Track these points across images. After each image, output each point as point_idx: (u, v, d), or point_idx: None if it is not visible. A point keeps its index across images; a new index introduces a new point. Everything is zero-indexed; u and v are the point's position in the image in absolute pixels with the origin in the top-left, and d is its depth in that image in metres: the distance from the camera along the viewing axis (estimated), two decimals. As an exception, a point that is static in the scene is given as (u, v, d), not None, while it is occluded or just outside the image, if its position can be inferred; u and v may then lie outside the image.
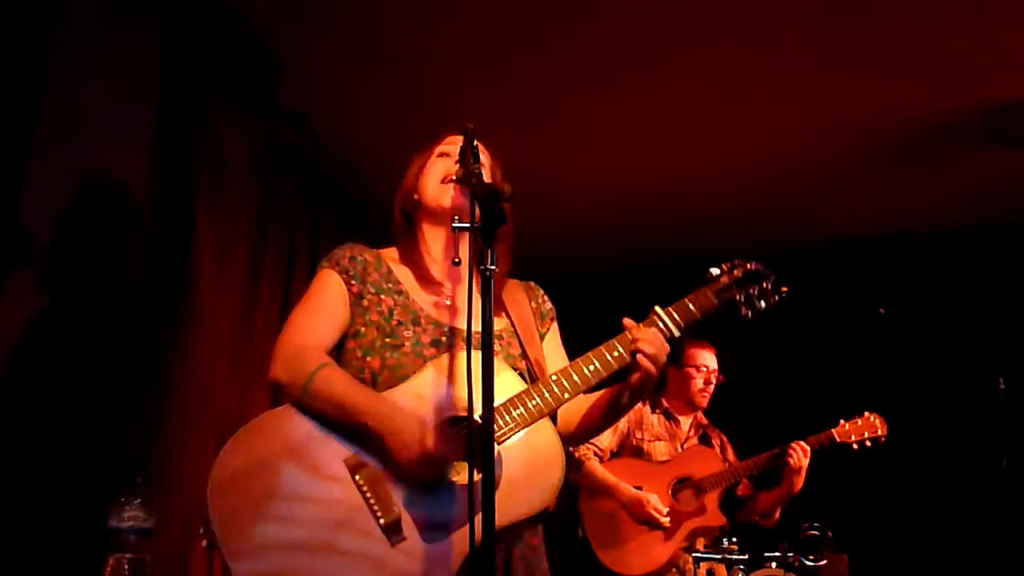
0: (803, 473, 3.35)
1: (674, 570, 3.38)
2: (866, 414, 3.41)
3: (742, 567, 3.07)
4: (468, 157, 1.62)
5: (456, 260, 1.73)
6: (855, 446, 3.36)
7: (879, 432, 3.37)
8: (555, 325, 2.04)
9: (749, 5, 3.12)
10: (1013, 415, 3.89)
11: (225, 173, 3.15)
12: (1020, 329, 4.54)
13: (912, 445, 4.70)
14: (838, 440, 3.38)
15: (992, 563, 4.12)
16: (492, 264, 1.47)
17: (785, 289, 1.91)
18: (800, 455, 3.34)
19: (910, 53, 3.37)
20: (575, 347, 2.00)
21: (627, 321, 1.77)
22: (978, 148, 4.07)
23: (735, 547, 3.10)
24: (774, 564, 3.10)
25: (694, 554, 3.23)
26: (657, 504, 3.37)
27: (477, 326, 1.50)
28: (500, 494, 1.54)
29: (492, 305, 1.46)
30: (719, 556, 3.11)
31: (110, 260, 2.56)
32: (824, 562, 3.08)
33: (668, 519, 3.36)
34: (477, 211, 1.55)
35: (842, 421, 3.41)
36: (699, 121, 3.92)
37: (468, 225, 1.58)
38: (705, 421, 3.77)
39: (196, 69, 3.03)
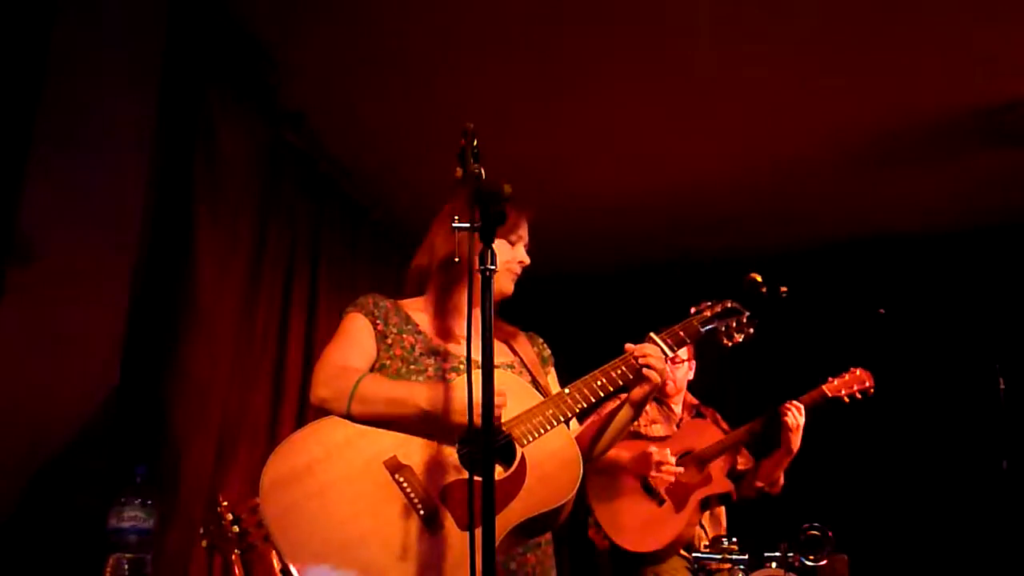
0: (799, 432, 3.40)
1: (682, 550, 3.37)
2: (852, 369, 3.47)
3: (742, 567, 3.07)
4: (468, 157, 1.63)
5: (456, 259, 1.77)
6: (846, 399, 3.43)
7: (867, 384, 3.43)
8: (553, 371, 2.23)
9: (747, 7, 3.12)
10: (1013, 415, 3.89)
11: (225, 173, 3.15)
12: (1020, 329, 4.55)
13: (912, 445, 4.72)
14: (829, 395, 3.43)
15: (992, 563, 4.12)
16: (492, 265, 1.56)
17: (785, 289, 2.16)
18: (795, 413, 3.40)
19: (910, 53, 3.37)
20: (572, 347, 2.04)
21: (628, 346, 2.01)
22: (978, 148, 4.07)
23: (735, 547, 3.10)
24: (774, 564, 3.10)
25: (694, 554, 3.23)
26: (661, 449, 3.29)
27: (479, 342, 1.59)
28: (526, 490, 1.81)
29: (492, 305, 1.54)
30: (719, 556, 3.10)
31: (109, 260, 2.56)
32: (824, 562, 3.08)
33: (674, 458, 3.29)
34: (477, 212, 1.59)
35: (830, 378, 3.47)
36: (699, 122, 3.92)
37: (468, 225, 1.61)
38: (696, 401, 3.78)
39: (196, 69, 3.03)
